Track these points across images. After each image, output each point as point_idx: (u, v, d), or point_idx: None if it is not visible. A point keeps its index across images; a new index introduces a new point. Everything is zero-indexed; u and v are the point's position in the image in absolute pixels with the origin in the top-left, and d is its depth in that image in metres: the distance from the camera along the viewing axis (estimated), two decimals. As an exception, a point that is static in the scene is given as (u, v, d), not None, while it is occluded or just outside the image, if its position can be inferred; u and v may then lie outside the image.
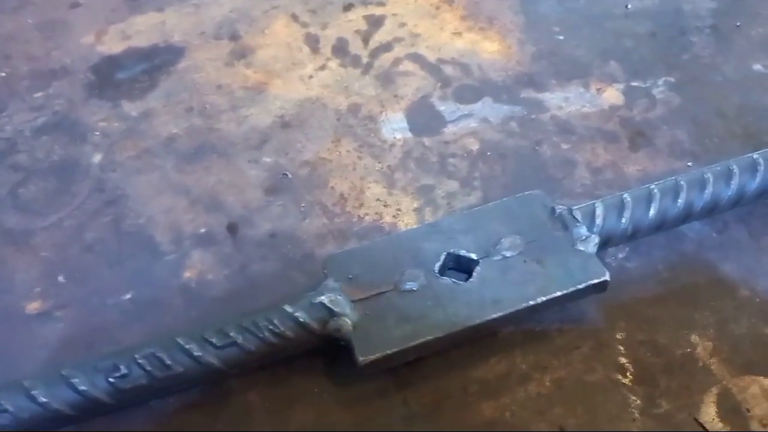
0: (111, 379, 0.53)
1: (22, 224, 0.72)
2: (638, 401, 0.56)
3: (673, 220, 0.64)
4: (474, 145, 0.77)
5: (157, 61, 0.89)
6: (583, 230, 0.61)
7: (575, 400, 0.56)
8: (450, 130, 0.79)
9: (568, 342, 0.60)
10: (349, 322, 0.56)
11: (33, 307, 0.64)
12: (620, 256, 0.66)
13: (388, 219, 0.70)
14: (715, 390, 0.56)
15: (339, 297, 0.57)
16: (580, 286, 0.57)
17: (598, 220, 0.62)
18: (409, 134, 0.79)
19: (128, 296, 0.65)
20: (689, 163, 0.74)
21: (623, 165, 0.74)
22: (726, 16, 0.91)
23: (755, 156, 0.66)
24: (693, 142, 0.76)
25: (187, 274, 0.66)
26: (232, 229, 0.70)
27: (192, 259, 0.68)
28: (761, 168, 0.65)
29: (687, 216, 0.64)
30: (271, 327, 0.55)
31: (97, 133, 0.81)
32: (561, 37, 0.89)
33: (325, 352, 0.58)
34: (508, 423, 0.55)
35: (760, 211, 0.69)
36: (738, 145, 0.75)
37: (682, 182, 0.64)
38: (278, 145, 0.78)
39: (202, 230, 0.70)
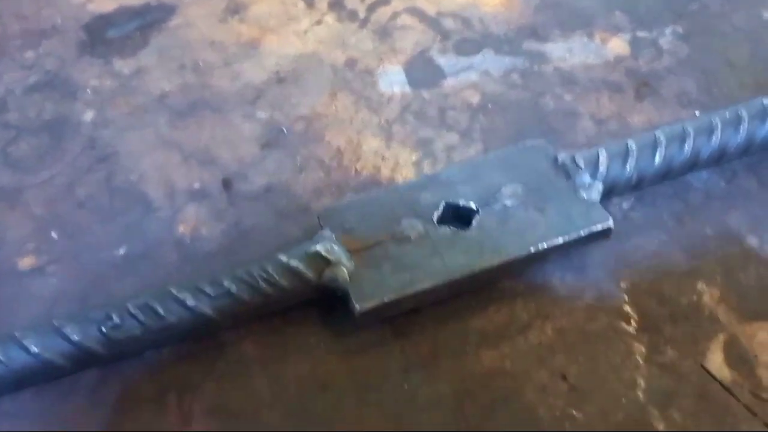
0: (104, 329, 0.52)
1: (14, 181, 0.70)
2: (642, 349, 0.54)
3: (679, 167, 0.62)
4: (474, 98, 0.75)
5: (149, 19, 0.87)
6: (586, 177, 0.59)
7: (577, 349, 0.54)
8: (449, 82, 0.77)
9: (571, 291, 0.58)
10: (345, 271, 0.54)
11: (26, 263, 0.63)
12: (625, 206, 0.64)
13: (386, 173, 0.68)
14: (721, 337, 0.55)
15: (335, 246, 0.55)
16: (582, 233, 0.56)
17: (602, 168, 0.60)
18: (407, 87, 0.76)
19: (121, 251, 0.63)
20: (697, 112, 0.71)
21: (628, 116, 0.72)
22: (736, -36, 0.88)
23: (766, 101, 0.64)
24: (701, 92, 0.74)
25: (180, 229, 0.65)
26: (226, 184, 0.69)
27: (186, 214, 0.66)
28: (772, 113, 0.63)
29: (694, 164, 0.62)
30: (265, 276, 0.54)
31: (89, 91, 0.79)
32: (565, -12, 0.86)
33: (321, 303, 0.57)
34: (508, 372, 0.53)
35: (770, 159, 0.67)
36: (748, 95, 0.72)
37: (689, 128, 0.62)
38: (273, 101, 0.76)
39: (196, 185, 0.69)
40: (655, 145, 0.61)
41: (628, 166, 0.61)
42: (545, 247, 0.55)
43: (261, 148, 0.72)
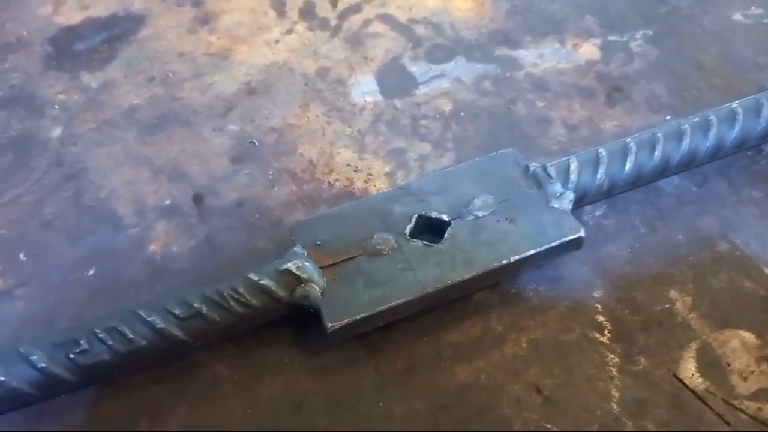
0: (71, 355, 0.51)
1: (-22, 202, 0.69)
2: (616, 359, 0.54)
3: (650, 173, 0.62)
4: (447, 106, 0.74)
5: (116, 31, 0.86)
6: (558, 187, 0.59)
7: (552, 360, 0.54)
8: (422, 91, 0.76)
9: (544, 302, 0.58)
10: (317, 288, 0.54)
11: (-8, 286, 0.62)
12: (597, 213, 0.64)
13: (359, 184, 0.68)
14: (694, 345, 0.55)
15: (306, 263, 0.55)
16: (554, 244, 0.56)
17: (573, 176, 0.60)
18: (379, 97, 0.76)
19: (91, 272, 0.62)
20: (668, 117, 0.72)
21: (600, 121, 0.72)
22: (705, -34, 0.88)
23: (734, 105, 0.64)
24: (671, 96, 0.74)
25: (151, 247, 0.64)
26: (197, 199, 0.68)
27: (156, 231, 0.65)
28: (740, 118, 0.63)
29: (665, 169, 0.63)
30: (236, 296, 0.53)
31: (56, 107, 0.77)
32: (535, -7, 0.86)
33: (293, 321, 0.56)
34: (483, 386, 0.53)
35: (740, 162, 0.67)
36: (717, 97, 0.73)
37: (659, 134, 0.62)
38: (244, 113, 0.75)
39: (167, 202, 0.68)
40: (625, 153, 0.61)
41: (599, 174, 0.61)
42: (518, 258, 0.55)
43: (232, 162, 0.71)
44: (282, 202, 0.67)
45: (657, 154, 0.61)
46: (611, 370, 0.54)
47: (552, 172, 0.60)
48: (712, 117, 0.63)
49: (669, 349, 0.55)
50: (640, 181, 0.62)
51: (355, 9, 0.86)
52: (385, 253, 0.56)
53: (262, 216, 0.66)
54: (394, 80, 0.78)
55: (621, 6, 0.84)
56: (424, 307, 0.55)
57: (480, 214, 0.58)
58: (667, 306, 0.57)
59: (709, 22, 0.82)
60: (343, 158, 0.70)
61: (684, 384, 0.53)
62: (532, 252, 0.55)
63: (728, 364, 0.54)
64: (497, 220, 0.58)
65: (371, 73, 0.79)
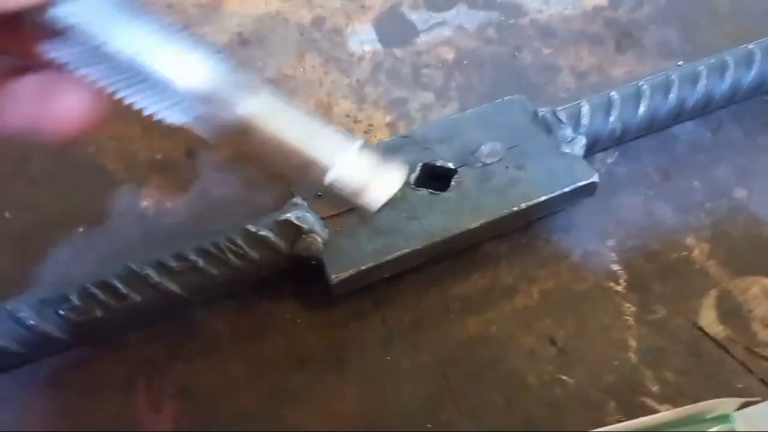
0: (61, 312, 0.49)
1: (-41, 160, 0.66)
2: (632, 308, 0.52)
3: (664, 118, 0.59)
4: (449, 54, 0.71)
5: (101, -18, 0.81)
6: (569, 132, 0.56)
7: (565, 311, 0.52)
8: (422, 39, 0.73)
9: (556, 252, 0.56)
10: (319, 239, 0.51)
11: (-24, 245, 0.59)
12: (609, 161, 0.61)
13: (359, 135, 0.65)
14: (713, 293, 0.53)
15: (307, 214, 0.52)
16: (566, 190, 0.53)
17: (584, 120, 0.57)
18: (378, 46, 0.73)
19: (80, 230, 0.59)
20: (680, 63, 0.69)
21: (609, 68, 0.69)
22: None
23: (751, 47, 0.61)
24: (683, 42, 0.71)
25: (143, 203, 0.61)
26: (190, 153, 0.65)
27: (148, 186, 0.62)
28: (757, 59, 0.60)
29: (679, 114, 0.60)
30: (234, 248, 0.50)
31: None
32: (539, -62, 0.82)
33: (295, 275, 0.54)
34: (494, 337, 0.51)
35: (756, 108, 0.64)
36: (731, 44, 0.69)
37: (673, 77, 0.59)
38: (237, 64, 0.72)
39: (158, 156, 0.64)
40: (638, 96, 0.58)
41: (611, 119, 0.58)
42: (528, 205, 0.53)
43: (226, 115, 0.67)
44: (279, 155, 0.64)
45: (672, 97, 0.58)
46: (627, 320, 0.52)
47: (562, 116, 0.57)
48: (728, 58, 0.60)
49: (687, 297, 0.53)
50: (653, 126, 0.60)
51: (351, -43, 0.82)
52: (389, 202, 0.54)
53: (257, 170, 0.63)
54: (394, 29, 0.74)
55: (629, -50, 0.80)
56: (431, 257, 0.53)
57: (488, 161, 0.56)
58: (683, 254, 0.55)
59: (721, -34, 0.78)
60: (342, 109, 0.67)
61: (704, 332, 0.51)
62: (543, 198, 0.53)
63: (749, 311, 0.52)
64: (506, 167, 0.55)
65: (369, 22, 0.75)
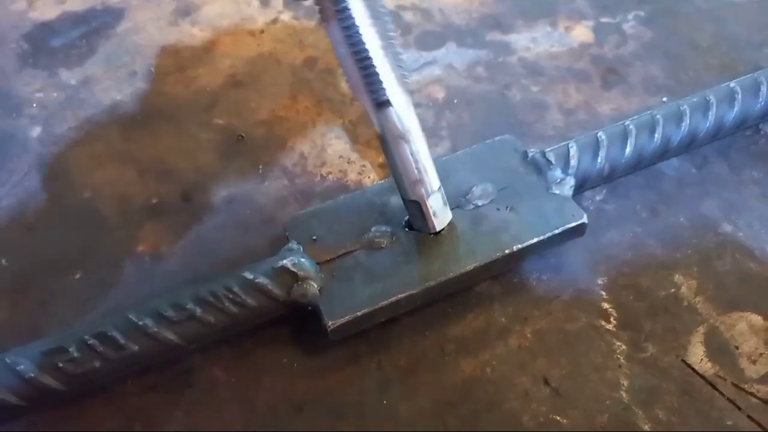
0: (60, 364, 0.49)
1: (-44, 207, 0.66)
2: (623, 347, 0.53)
3: (650, 156, 0.61)
4: (439, 93, 0.73)
5: (95, 24, 0.83)
6: (558, 173, 0.57)
7: (558, 351, 0.53)
8: (413, 79, 0.74)
9: (548, 291, 0.57)
10: (315, 285, 0.52)
11: (-27, 293, 0.59)
12: (598, 198, 0.63)
13: (352, 176, 0.66)
14: (701, 329, 0.54)
15: (302, 259, 0.53)
16: (556, 231, 0.54)
17: (573, 161, 0.58)
18: (370, 86, 0.74)
19: (77, 276, 0.60)
20: (664, 99, 0.70)
21: (596, 104, 0.71)
22: (695, -56, 0.87)
23: (732, 85, 0.63)
24: (667, 77, 0.73)
25: (140, 248, 0.62)
26: (185, 197, 0.65)
27: (144, 231, 0.63)
28: (739, 97, 0.62)
29: (665, 152, 0.61)
30: (231, 296, 0.51)
31: (34, 105, 0.75)
32: (525, -25, 0.84)
33: (291, 319, 0.54)
34: (490, 380, 0.52)
35: (739, 143, 0.66)
36: (714, 77, 0.72)
37: (658, 116, 0.61)
38: (230, 106, 0.73)
39: (154, 200, 0.65)
40: (625, 135, 0.60)
41: (599, 159, 0.59)
42: (521, 247, 0.54)
43: (220, 158, 0.68)
44: (274, 197, 0.65)
45: (657, 136, 0.60)
46: (619, 358, 0.52)
47: (551, 157, 0.58)
48: (711, 97, 0.62)
49: (676, 334, 0.54)
50: (640, 164, 0.61)
51: (341, -4, 0.84)
52: (384, 246, 0.55)
53: (253, 213, 0.64)
54: (384, 68, 0.75)
55: (612, -13, 0.82)
56: (426, 301, 0.53)
57: (479, 203, 0.57)
58: (672, 290, 0.56)
59: (701, 1, 0.80)
60: (335, 150, 0.68)
61: (693, 369, 0.52)
62: (535, 240, 0.54)
63: (737, 348, 0.53)
64: (497, 209, 0.56)
65: (360, 61, 0.76)
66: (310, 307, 0.52)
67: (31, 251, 0.62)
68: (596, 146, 0.59)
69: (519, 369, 0.52)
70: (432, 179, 0.52)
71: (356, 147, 0.68)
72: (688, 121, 0.61)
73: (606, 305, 0.56)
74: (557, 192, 0.57)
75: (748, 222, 0.60)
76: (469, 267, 0.53)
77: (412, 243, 0.55)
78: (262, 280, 0.52)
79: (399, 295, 0.51)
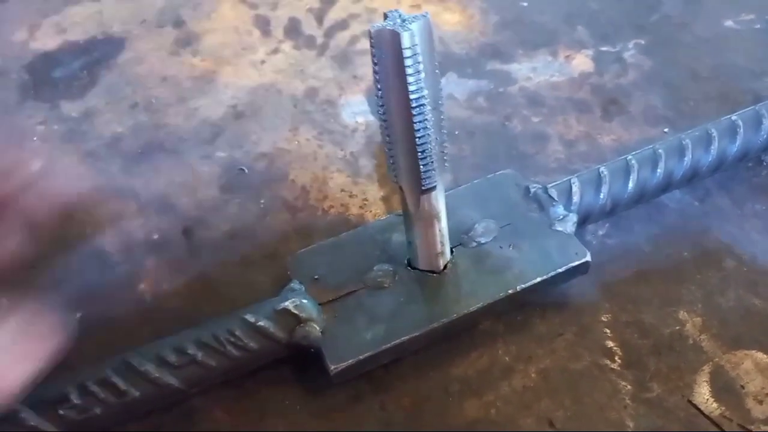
0: (61, 412, 0.49)
1: (-43, 243, 0.66)
2: (628, 386, 0.53)
3: (653, 190, 0.61)
4: (440, 125, 0.73)
5: (96, 55, 0.83)
6: (560, 209, 0.57)
7: (562, 391, 0.53)
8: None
9: (551, 329, 0.56)
10: (317, 327, 0.52)
11: (-26, 333, 0.59)
12: (600, 233, 0.62)
13: (354, 210, 0.66)
14: (707, 368, 0.53)
15: (304, 301, 0.52)
16: (560, 270, 0.54)
17: (575, 198, 0.58)
18: (371, 117, 0.74)
19: (78, 315, 0.60)
20: (665, 130, 0.70)
21: (597, 135, 0.71)
22: (693, -29, 0.87)
23: (734, 118, 0.63)
24: (667, 107, 0.73)
25: (141, 286, 0.61)
26: (187, 232, 0.65)
27: (145, 268, 0.63)
28: (741, 131, 0.62)
29: (667, 185, 0.61)
30: (232, 339, 0.51)
31: (35, 138, 0.75)
32: (525, 4, 0.85)
33: (293, 360, 0.54)
34: (494, 421, 0.51)
35: (742, 175, 0.66)
36: (714, 107, 0.72)
37: (660, 151, 0.61)
38: (232, 138, 0.73)
39: (155, 236, 0.65)
40: (627, 171, 0.60)
41: (601, 194, 0.59)
42: (524, 287, 0.54)
43: (222, 191, 0.68)
44: (275, 231, 0.65)
45: (659, 171, 0.60)
46: (624, 399, 0.52)
47: (554, 193, 0.58)
48: (713, 131, 0.62)
49: (681, 373, 0.53)
50: (643, 198, 0.61)
51: (342, 25, 0.84)
52: (386, 285, 0.55)
53: (255, 248, 0.64)
54: (385, 99, 0.76)
55: (612, 15, 0.83)
56: (430, 342, 0.53)
57: (482, 240, 0.57)
58: (677, 328, 0.56)
59: (701, 30, 0.81)
60: (336, 183, 0.68)
61: (699, 410, 0.51)
62: (538, 280, 0.54)
63: (742, 387, 0.52)
64: (500, 247, 0.56)
65: (361, 92, 0.77)
66: (312, 350, 0.52)
67: (33, 290, 0.61)
68: (599, 181, 0.59)
69: (523, 410, 0.52)
70: (447, 251, 0.54)
71: (357, 180, 0.68)
72: (690, 155, 0.61)
73: (610, 343, 0.55)
74: (560, 229, 0.56)
75: (752, 256, 0.60)
76: (473, 308, 0.53)
77: (414, 283, 0.54)
78: (263, 323, 0.51)
79: (402, 338, 0.51)
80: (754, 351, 0.54)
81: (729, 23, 0.81)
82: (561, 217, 0.57)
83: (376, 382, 0.54)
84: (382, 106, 0.45)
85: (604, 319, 0.57)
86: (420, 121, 0.45)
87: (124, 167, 0.71)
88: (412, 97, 0.43)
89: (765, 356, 0.54)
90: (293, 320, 0.52)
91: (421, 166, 0.47)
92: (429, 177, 0.48)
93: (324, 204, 0.67)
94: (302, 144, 0.72)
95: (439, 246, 0.53)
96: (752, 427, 0.50)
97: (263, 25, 0.84)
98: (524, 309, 0.57)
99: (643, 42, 0.80)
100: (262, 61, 0.81)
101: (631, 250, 0.61)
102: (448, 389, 0.53)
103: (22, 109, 0.78)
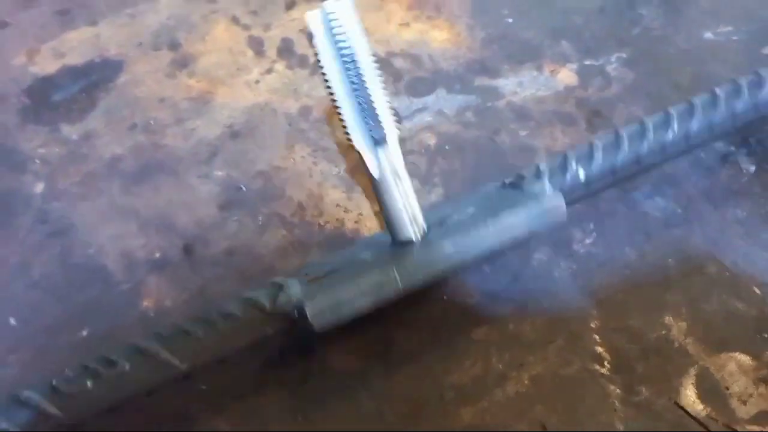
0: (54, 382, 0.51)
1: (-37, 266, 0.67)
2: (617, 390, 0.55)
3: (622, 168, 0.62)
4: (431, 140, 0.75)
5: (94, 78, 0.85)
6: (536, 182, 0.59)
7: (554, 396, 0.55)
8: (405, 126, 0.76)
9: (542, 336, 0.58)
10: (299, 291, 0.54)
11: (-17, 354, 0.61)
12: (587, 241, 0.65)
13: (350, 225, 0.68)
14: (693, 371, 0.56)
15: (290, 279, 0.55)
16: (533, 211, 0.56)
17: (545, 175, 0.60)
18: (364, 134, 0.76)
19: (84, 333, 0.61)
20: (648, 140, 0.73)
21: (583, 147, 0.73)
22: (673, -15, 0.90)
23: (718, 91, 0.66)
24: (650, 118, 0.75)
25: (144, 303, 0.63)
26: (187, 250, 0.67)
27: (148, 286, 0.64)
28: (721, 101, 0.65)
29: (637, 162, 0.63)
30: (219, 309, 0.54)
31: (37, 161, 0.76)
32: (510, 20, 0.87)
33: (293, 368, 0.56)
34: (489, 427, 0.53)
35: (723, 182, 0.69)
36: (695, 116, 0.74)
37: (622, 134, 0.62)
38: (229, 157, 0.75)
39: (156, 255, 0.67)
40: (591, 152, 0.62)
41: (572, 169, 0.61)
42: (500, 234, 0.56)
43: (220, 209, 0.70)
44: (273, 248, 0.67)
45: (624, 150, 0.62)
46: (614, 402, 0.54)
47: (524, 174, 0.60)
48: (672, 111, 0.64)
49: (668, 376, 0.55)
50: (617, 177, 0.63)
51: (334, 45, 0.86)
52: (368, 260, 0.56)
53: (254, 264, 0.66)
54: (377, 116, 0.78)
55: (595, 29, 0.85)
56: (409, 288, 0.55)
57: (458, 217, 0.58)
58: (663, 332, 0.58)
59: (681, 42, 0.83)
60: (332, 199, 0.70)
61: (686, 411, 0.53)
62: (516, 232, 0.56)
63: (727, 388, 0.55)
64: (476, 219, 0.57)
65: (354, 109, 0.79)
66: (296, 314, 0.53)
67: (39, 309, 0.63)
68: (564, 165, 0.61)
69: (518, 416, 0.54)
70: (419, 217, 0.56)
71: (352, 196, 0.70)
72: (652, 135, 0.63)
73: (599, 349, 0.57)
74: (536, 191, 0.58)
75: (733, 261, 0.62)
76: (454, 255, 0.55)
77: (389, 250, 0.56)
78: (249, 293, 0.54)
79: (380, 280, 0.54)
80: (737, 353, 0.57)
81: (708, 35, 0.84)
82: (537, 187, 0.59)
83: (375, 390, 0.56)
84: (323, 75, 0.53)
85: (593, 325, 0.59)
86: (355, 75, 0.51)
87: (124, 188, 0.73)
88: (343, 53, 0.52)
89: (748, 358, 0.56)
90: (276, 289, 0.54)
91: (368, 118, 0.52)
92: (377, 127, 0.52)
93: (320, 219, 0.69)
94: (297, 161, 0.74)
95: (406, 209, 0.55)
96: (737, 427, 0.52)
97: (257, 45, 0.86)
98: (516, 318, 0.59)
99: (625, 55, 0.82)
100: (257, 81, 0.83)
101: (617, 258, 0.63)
102: (443, 396, 0.55)
103: (23, 132, 0.79)
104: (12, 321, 0.63)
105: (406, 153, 0.73)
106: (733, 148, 0.72)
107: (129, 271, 0.66)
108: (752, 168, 0.70)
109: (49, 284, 0.65)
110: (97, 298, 0.64)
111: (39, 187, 0.74)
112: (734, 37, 0.83)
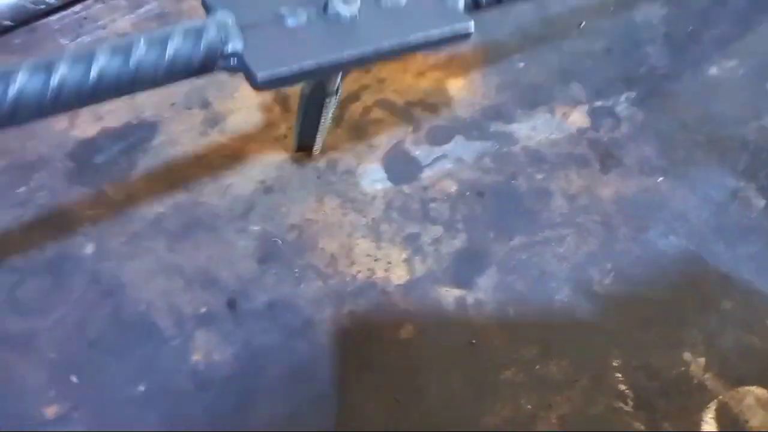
0: None
1: (24, 327, 0.73)
2: (642, 427, 0.58)
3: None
4: (452, 187, 0.79)
5: (132, 139, 0.90)
6: None
7: (582, 435, 0.58)
8: (427, 174, 0.81)
9: (568, 376, 0.62)
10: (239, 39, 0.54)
11: (50, 411, 0.66)
12: (606, 282, 0.69)
13: (380, 273, 0.72)
14: (712, 405, 0.59)
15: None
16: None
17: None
18: (388, 183, 0.81)
19: (141, 388, 0.66)
20: (660, 179, 0.77)
21: (596, 189, 0.77)
22: (677, 22, 0.94)
23: None
24: (660, 157, 0.79)
25: (194, 357, 0.68)
26: (231, 304, 0.72)
27: (197, 340, 0.69)
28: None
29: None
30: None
31: (86, 222, 0.82)
32: (522, 65, 0.92)
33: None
34: (522, 467, 0.57)
35: (733, 218, 0.72)
36: (703, 155, 0.78)
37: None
38: (264, 212, 0.80)
39: (203, 309, 0.72)
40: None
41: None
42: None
43: (258, 263, 0.75)
44: (310, 299, 0.71)
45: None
46: (638, 439, 0.58)
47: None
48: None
49: (689, 412, 0.59)
50: None
51: (354, 97, 0.91)
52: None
53: (293, 315, 0.70)
54: (400, 165, 0.83)
55: (604, 70, 0.90)
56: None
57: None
58: (682, 369, 0.62)
59: (687, 79, 0.87)
60: (362, 249, 0.75)
61: (708, 446, 0.57)
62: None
63: (746, 421, 0.58)
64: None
65: (377, 160, 0.83)
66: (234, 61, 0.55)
67: (97, 368, 0.68)
68: None
69: (548, 455, 0.58)
70: None
71: (381, 245, 0.75)
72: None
73: (622, 387, 0.61)
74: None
75: (745, 298, 0.66)
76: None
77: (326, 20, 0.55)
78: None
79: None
80: (754, 387, 0.60)
81: (714, 71, 0.88)
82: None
83: (413, 436, 0.60)
84: None
85: (615, 364, 0.63)
86: None
87: (168, 245, 0.78)
88: None
89: (765, 392, 0.59)
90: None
91: None
92: None
93: (352, 269, 0.73)
94: (328, 213, 0.79)
95: None
96: (756, 460, 0.56)
97: (283, 101, 0.92)
98: (542, 359, 0.63)
99: (633, 94, 0.86)
100: (285, 136, 0.88)
101: (635, 297, 0.67)
102: (478, 439, 0.59)
103: (71, 195, 0.85)
104: (74, 379, 0.68)
105: (428, 200, 0.78)
106: (742, 184, 0.75)
107: (178, 327, 0.71)
108: (762, 203, 0.73)
109: (106, 342, 0.70)
110: (151, 353, 0.69)
111: (89, 248, 0.79)
112: (739, 72, 0.87)
